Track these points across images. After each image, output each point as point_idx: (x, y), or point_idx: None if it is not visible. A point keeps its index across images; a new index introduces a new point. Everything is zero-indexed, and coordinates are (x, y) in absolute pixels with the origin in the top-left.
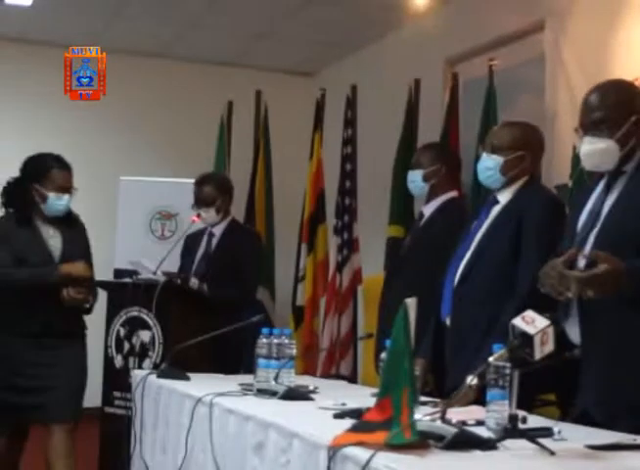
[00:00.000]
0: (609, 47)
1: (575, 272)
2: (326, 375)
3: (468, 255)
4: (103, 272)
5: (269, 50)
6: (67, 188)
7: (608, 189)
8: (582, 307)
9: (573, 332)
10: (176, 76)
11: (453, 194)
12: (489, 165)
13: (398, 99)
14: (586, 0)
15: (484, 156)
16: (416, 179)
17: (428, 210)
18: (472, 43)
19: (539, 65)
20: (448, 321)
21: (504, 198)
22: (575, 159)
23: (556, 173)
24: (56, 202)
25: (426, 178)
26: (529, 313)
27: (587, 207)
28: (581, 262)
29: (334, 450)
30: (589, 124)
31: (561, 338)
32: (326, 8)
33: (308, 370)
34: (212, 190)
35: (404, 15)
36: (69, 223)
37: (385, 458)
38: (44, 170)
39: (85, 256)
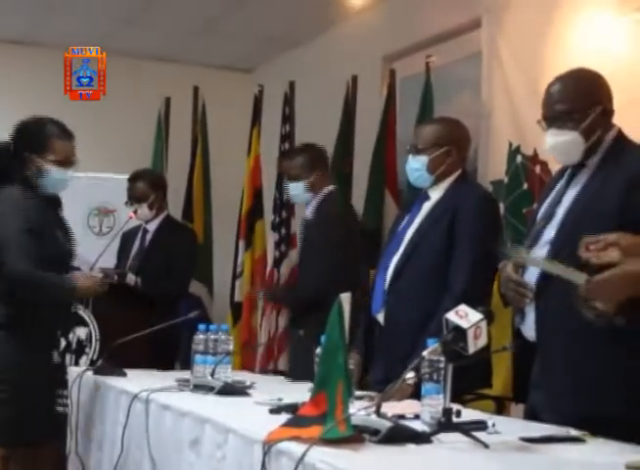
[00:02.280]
0: (544, 44)
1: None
2: (264, 371)
3: (400, 250)
4: None
5: (207, 46)
6: (72, 161)
7: (568, 183)
8: (538, 306)
9: (530, 333)
10: (113, 72)
11: (330, 188)
12: (417, 166)
13: (336, 95)
14: None
15: (410, 158)
16: (299, 192)
17: (308, 211)
18: (409, 40)
19: (476, 61)
20: (380, 318)
21: (436, 194)
22: (511, 154)
23: (492, 169)
24: (59, 177)
25: (309, 188)
26: (463, 308)
27: (547, 200)
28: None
29: (269, 446)
30: (553, 117)
31: (517, 336)
32: (264, 5)
33: (247, 366)
34: (144, 186)
35: (342, 12)
36: (57, 204)
37: (319, 453)
38: (45, 138)
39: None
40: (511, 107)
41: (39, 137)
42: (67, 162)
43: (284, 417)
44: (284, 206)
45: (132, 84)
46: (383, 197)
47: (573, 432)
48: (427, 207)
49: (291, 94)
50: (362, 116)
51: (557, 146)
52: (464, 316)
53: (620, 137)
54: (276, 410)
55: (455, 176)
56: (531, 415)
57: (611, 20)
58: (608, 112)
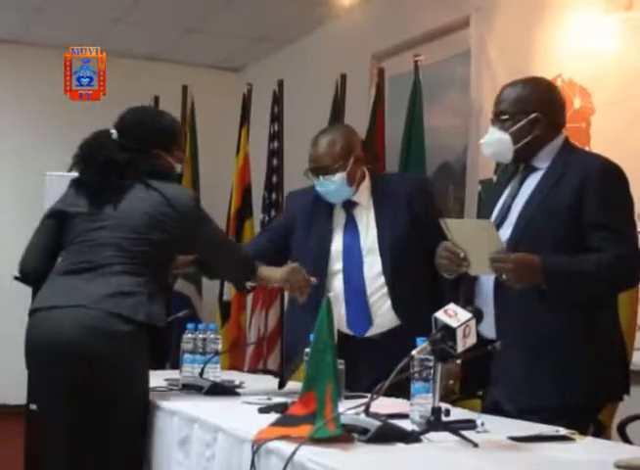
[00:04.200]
0: (532, 43)
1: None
2: (253, 370)
3: (375, 264)
4: None
5: (196, 45)
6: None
7: (520, 185)
8: (497, 305)
9: (487, 328)
10: None
11: None
12: (335, 187)
13: (325, 94)
14: None
15: (324, 180)
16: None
17: None
18: (398, 39)
19: (464, 60)
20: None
21: (362, 199)
22: None
23: (481, 168)
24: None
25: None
26: (452, 307)
27: (500, 201)
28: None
29: (258, 445)
30: (494, 115)
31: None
32: (252, 4)
33: (236, 365)
34: None
35: (331, 11)
36: None
37: (308, 452)
38: (175, 134)
39: None
40: None
41: (170, 132)
42: (183, 160)
43: (273, 416)
44: (273, 205)
45: (121, 83)
46: None
47: (562, 431)
48: (364, 214)
49: (279, 93)
50: (351, 114)
51: (487, 143)
52: (453, 315)
53: (567, 143)
54: (265, 410)
55: (369, 176)
56: (493, 409)
57: (598, 19)
58: (549, 121)
